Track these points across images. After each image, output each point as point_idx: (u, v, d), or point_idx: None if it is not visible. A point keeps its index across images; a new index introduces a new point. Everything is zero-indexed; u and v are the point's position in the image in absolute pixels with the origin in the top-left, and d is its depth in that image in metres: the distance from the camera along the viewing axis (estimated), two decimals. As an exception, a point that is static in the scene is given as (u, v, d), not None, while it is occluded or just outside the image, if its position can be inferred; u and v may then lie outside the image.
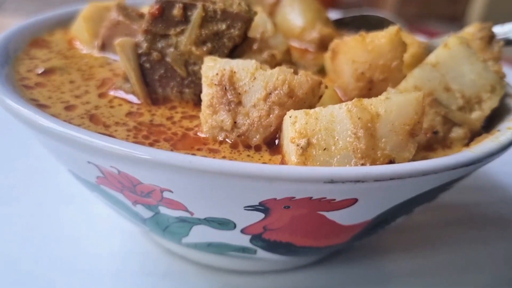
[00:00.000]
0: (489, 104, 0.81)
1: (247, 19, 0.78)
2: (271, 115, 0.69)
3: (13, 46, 0.90)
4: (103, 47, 0.94)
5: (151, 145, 0.68)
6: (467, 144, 0.78)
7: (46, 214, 1.04)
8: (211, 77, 0.72)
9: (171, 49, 0.78)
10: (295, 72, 0.81)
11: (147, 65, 0.79)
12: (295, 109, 0.70)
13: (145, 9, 1.02)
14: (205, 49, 0.77)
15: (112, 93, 0.80)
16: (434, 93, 0.80)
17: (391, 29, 0.81)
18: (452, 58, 0.83)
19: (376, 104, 0.65)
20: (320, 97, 0.73)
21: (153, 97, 0.79)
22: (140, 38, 0.79)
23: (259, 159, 0.68)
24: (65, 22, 1.06)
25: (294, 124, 0.65)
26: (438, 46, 1.12)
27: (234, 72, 0.71)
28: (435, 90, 0.80)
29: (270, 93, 0.70)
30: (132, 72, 0.77)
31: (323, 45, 1.11)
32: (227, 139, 0.70)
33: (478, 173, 0.94)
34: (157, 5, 0.78)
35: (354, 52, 0.83)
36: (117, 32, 0.92)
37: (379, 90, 0.84)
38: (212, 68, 0.72)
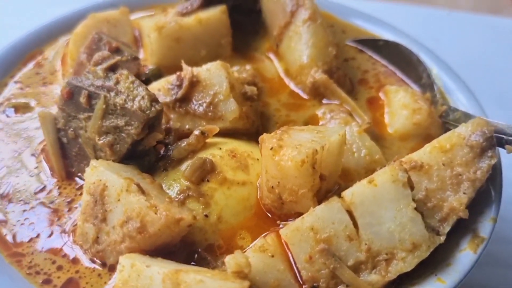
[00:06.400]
0: (400, 267, 0.66)
1: (144, 119, 0.73)
2: (122, 244, 0.69)
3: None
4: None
5: (31, 240, 0.76)
6: (351, 309, 0.67)
7: None
8: (89, 184, 0.72)
9: (82, 131, 0.78)
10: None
11: (65, 140, 0.81)
12: (149, 243, 0.68)
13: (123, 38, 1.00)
14: (106, 140, 0.76)
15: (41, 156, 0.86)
16: (332, 240, 0.67)
17: (298, 156, 0.68)
18: (375, 199, 0.68)
19: (190, 284, 0.60)
20: (189, 225, 0.69)
21: (69, 170, 0.83)
22: (58, 112, 0.80)
23: (104, 283, 0.71)
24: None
25: (121, 272, 0.65)
26: (457, 116, 0.90)
27: (106, 186, 0.71)
28: (335, 236, 0.67)
29: (126, 221, 0.68)
30: (50, 146, 0.81)
31: (317, 93, 0.95)
32: (88, 251, 0.73)
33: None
34: (66, 88, 0.77)
35: (266, 162, 0.73)
36: (80, 72, 0.93)
37: (290, 209, 0.74)
38: (92, 174, 0.72)
